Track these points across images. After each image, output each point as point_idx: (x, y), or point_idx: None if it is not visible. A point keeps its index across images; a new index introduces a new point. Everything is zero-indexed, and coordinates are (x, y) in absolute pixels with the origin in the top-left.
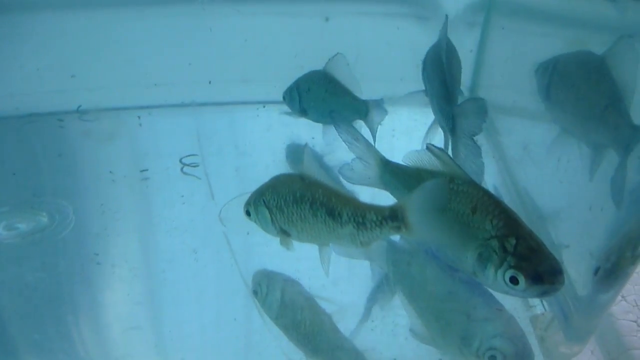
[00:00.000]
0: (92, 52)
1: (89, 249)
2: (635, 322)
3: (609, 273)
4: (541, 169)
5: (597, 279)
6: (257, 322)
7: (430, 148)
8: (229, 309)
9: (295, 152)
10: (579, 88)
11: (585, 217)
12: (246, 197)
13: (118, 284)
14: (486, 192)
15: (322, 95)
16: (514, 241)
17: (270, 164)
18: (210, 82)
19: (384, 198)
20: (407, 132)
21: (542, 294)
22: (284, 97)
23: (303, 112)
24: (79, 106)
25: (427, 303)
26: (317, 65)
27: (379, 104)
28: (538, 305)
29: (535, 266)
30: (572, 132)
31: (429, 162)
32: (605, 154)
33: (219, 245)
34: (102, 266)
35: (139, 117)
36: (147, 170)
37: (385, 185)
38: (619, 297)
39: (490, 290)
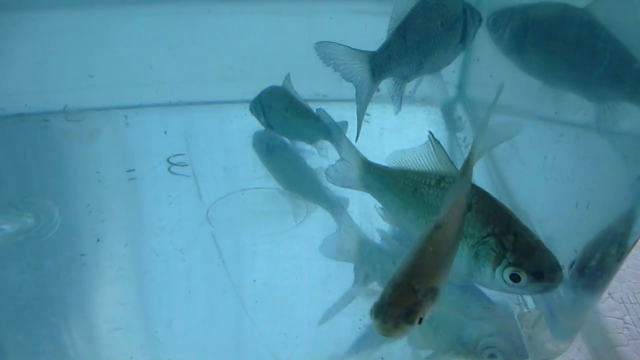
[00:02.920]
0: (78, 51)
1: (75, 249)
2: (621, 319)
3: (593, 271)
4: (528, 167)
5: (571, 272)
6: (245, 322)
7: (430, 137)
8: (217, 309)
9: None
10: (569, 41)
11: (571, 215)
12: (234, 197)
13: (104, 285)
14: (481, 190)
15: (284, 114)
16: (512, 238)
17: (257, 163)
18: (197, 81)
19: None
20: (396, 130)
21: (542, 291)
22: (250, 110)
23: (269, 127)
24: (65, 106)
25: None
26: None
27: (343, 125)
28: (522, 304)
29: (536, 263)
30: (562, 86)
31: (414, 162)
32: (616, 107)
33: (206, 245)
34: (89, 267)
35: (125, 117)
36: (134, 170)
37: (367, 187)
38: (606, 295)
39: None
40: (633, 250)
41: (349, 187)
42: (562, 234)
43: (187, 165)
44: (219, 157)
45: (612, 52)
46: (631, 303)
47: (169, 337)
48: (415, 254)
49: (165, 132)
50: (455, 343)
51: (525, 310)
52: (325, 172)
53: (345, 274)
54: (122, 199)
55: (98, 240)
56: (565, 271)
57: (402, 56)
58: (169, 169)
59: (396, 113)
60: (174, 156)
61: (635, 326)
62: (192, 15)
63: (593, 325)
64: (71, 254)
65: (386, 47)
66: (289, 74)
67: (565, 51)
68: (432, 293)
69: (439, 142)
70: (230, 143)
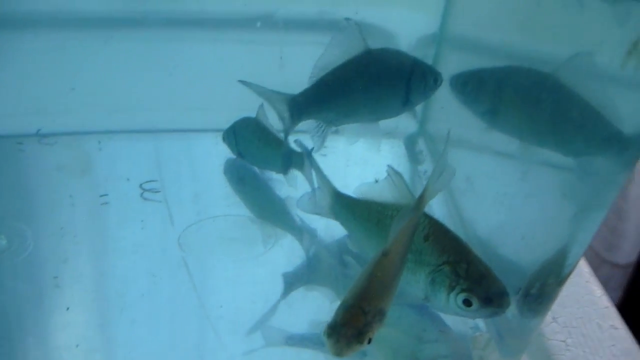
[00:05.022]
0: (52, 75)
1: (48, 272)
2: (564, 341)
3: (535, 297)
4: (482, 200)
5: (517, 298)
6: (215, 345)
7: (389, 171)
8: (187, 332)
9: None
10: (541, 102)
11: (518, 246)
12: (205, 224)
13: (77, 307)
14: (437, 221)
15: (256, 144)
16: (465, 266)
17: (229, 192)
18: (170, 109)
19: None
20: (361, 162)
21: (491, 315)
22: (223, 139)
23: (240, 155)
24: (39, 129)
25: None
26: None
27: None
28: (474, 327)
29: (486, 289)
30: (537, 143)
31: (380, 195)
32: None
33: (177, 270)
34: (61, 289)
35: (99, 142)
36: (107, 195)
37: (335, 215)
38: (550, 319)
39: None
40: (575, 278)
41: (318, 214)
42: (511, 263)
43: (159, 191)
44: (190, 184)
45: (581, 111)
46: (573, 327)
47: (139, 359)
48: (365, 278)
49: (137, 159)
50: None
51: (477, 333)
52: (297, 200)
53: (311, 298)
54: (95, 223)
55: (65, 261)
56: (513, 297)
57: (322, 102)
58: (141, 194)
59: (315, 152)
60: (146, 182)
61: (576, 348)
62: (167, 42)
63: (537, 348)
64: (44, 277)
65: (305, 91)
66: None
67: (538, 112)
68: (380, 315)
69: (399, 175)
70: (202, 171)
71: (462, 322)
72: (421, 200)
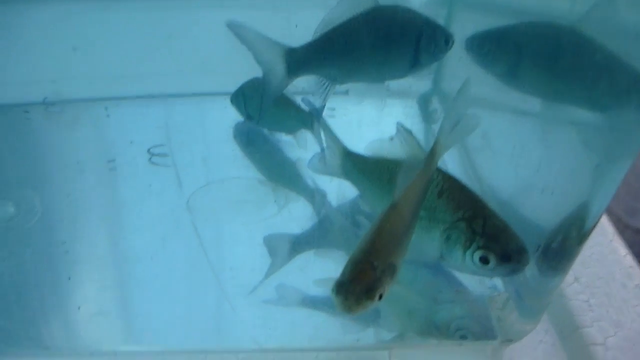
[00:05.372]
0: (59, 43)
1: (56, 237)
2: (586, 302)
3: (555, 254)
4: (498, 156)
5: (537, 255)
6: (225, 307)
7: (399, 128)
8: (197, 295)
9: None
10: (564, 57)
11: (537, 200)
12: (214, 186)
13: (85, 272)
14: (451, 177)
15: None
16: (481, 222)
17: (237, 154)
18: (178, 74)
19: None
20: (374, 124)
21: (509, 272)
22: (231, 101)
23: (249, 118)
24: (45, 97)
25: (394, 292)
26: None
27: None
28: (492, 288)
29: (504, 246)
30: (562, 101)
31: (391, 151)
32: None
33: (186, 233)
34: (70, 254)
35: (106, 109)
36: (114, 160)
37: (347, 175)
38: (572, 279)
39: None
40: (599, 238)
41: (329, 175)
42: (529, 219)
43: (167, 155)
44: (199, 148)
45: (606, 63)
46: (596, 287)
47: (149, 322)
48: (373, 233)
49: (146, 124)
50: (429, 326)
51: (495, 293)
52: (308, 161)
53: (323, 260)
54: (103, 189)
55: (74, 226)
56: (532, 254)
57: (323, 57)
58: (149, 159)
59: (320, 106)
60: (154, 147)
61: (599, 308)
62: (174, 9)
63: (559, 308)
64: (53, 242)
65: (308, 45)
66: None
67: (562, 68)
68: (391, 270)
69: (409, 132)
70: (211, 135)
71: (479, 282)
72: (433, 152)
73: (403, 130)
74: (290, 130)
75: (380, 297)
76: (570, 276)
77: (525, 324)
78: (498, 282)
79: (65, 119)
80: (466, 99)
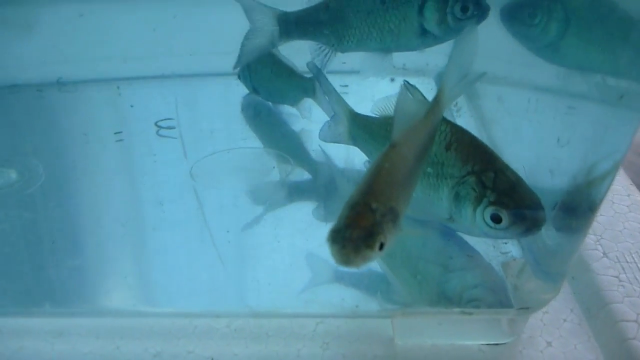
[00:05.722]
0: (72, 27)
1: (55, 202)
2: (616, 277)
3: (575, 211)
4: (513, 117)
5: (554, 213)
6: (218, 269)
7: (405, 85)
8: (191, 255)
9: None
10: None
11: (553, 152)
12: (219, 155)
13: (82, 235)
14: (459, 128)
15: (269, 76)
16: (492, 175)
17: (245, 128)
18: (190, 55)
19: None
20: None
21: (524, 233)
22: (239, 76)
23: (255, 91)
24: (59, 78)
25: (401, 259)
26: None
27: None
28: (507, 253)
29: (518, 201)
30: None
31: None
32: None
33: (187, 198)
34: (67, 219)
35: (118, 87)
36: (121, 132)
37: (354, 139)
38: (600, 254)
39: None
40: (630, 214)
41: (339, 142)
42: (545, 174)
43: (174, 128)
44: (206, 122)
45: None
46: (627, 262)
47: (144, 282)
48: (371, 173)
49: (156, 101)
50: (440, 297)
51: (510, 259)
52: (319, 131)
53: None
54: (108, 158)
55: (74, 193)
56: (549, 212)
57: (318, 22)
58: (157, 132)
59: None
60: (162, 120)
61: (631, 284)
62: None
63: (586, 285)
64: (52, 206)
65: (301, 10)
66: None
67: (611, 37)
68: (392, 215)
69: (415, 87)
70: (219, 110)
71: (492, 247)
72: (438, 98)
73: (409, 86)
74: (294, 101)
75: (382, 246)
76: (598, 251)
77: (545, 292)
78: (513, 247)
79: (77, 96)
80: (471, 47)
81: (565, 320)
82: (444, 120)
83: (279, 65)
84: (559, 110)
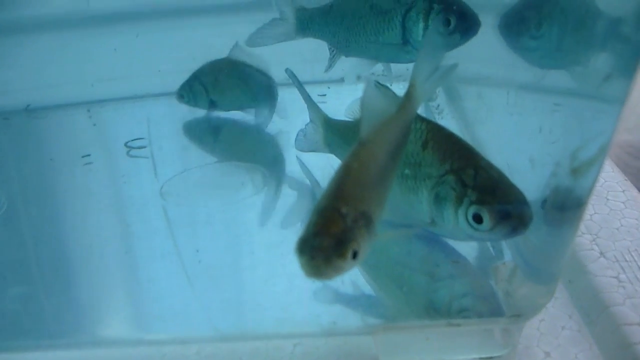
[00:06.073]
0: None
1: (16, 230)
2: (616, 277)
3: (565, 204)
4: (493, 112)
5: (546, 209)
6: (186, 290)
7: (376, 84)
8: (159, 276)
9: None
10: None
11: (535, 143)
12: (190, 172)
13: (45, 255)
14: (436, 125)
15: (235, 83)
16: (472, 172)
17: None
18: (159, 73)
19: None
20: None
21: (510, 232)
22: (181, 96)
23: (212, 104)
24: (28, 105)
25: (385, 270)
26: None
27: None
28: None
29: (501, 199)
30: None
31: None
32: None
33: (155, 218)
34: (27, 245)
35: (88, 110)
36: (89, 155)
37: (330, 146)
38: (597, 254)
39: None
40: (627, 210)
41: (316, 150)
42: (528, 169)
43: (145, 147)
44: (177, 141)
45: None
46: (626, 261)
47: (108, 306)
48: (340, 174)
49: (126, 123)
50: (428, 308)
51: (500, 262)
52: (294, 141)
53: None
54: (74, 181)
55: (37, 219)
56: (537, 209)
57: (325, 23)
58: (127, 152)
59: (325, 72)
60: (133, 140)
61: (632, 284)
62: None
63: (583, 288)
64: (16, 235)
65: (316, 8)
66: (237, 42)
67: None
68: (365, 220)
69: (386, 86)
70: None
71: (479, 251)
72: (409, 94)
73: (380, 86)
74: (250, 106)
75: (355, 255)
76: (594, 251)
77: (538, 297)
78: (502, 250)
79: (45, 122)
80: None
81: (563, 328)
82: (420, 117)
83: (247, 68)
84: (543, 107)
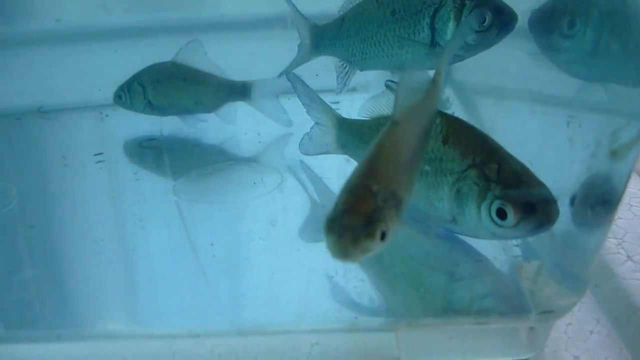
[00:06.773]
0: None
1: (25, 222)
2: None
3: (596, 201)
4: (516, 105)
5: (574, 208)
6: (202, 284)
7: (388, 85)
8: (174, 271)
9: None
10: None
11: (563, 155)
12: (205, 171)
13: (53, 251)
14: (455, 119)
15: (179, 85)
16: (496, 167)
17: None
18: None
19: None
20: None
21: (535, 229)
22: (119, 96)
23: (149, 106)
24: (41, 107)
25: (402, 270)
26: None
27: (269, 82)
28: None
29: (525, 194)
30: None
31: (388, 107)
32: None
33: (168, 215)
34: (40, 240)
35: (101, 113)
36: (101, 153)
37: (344, 147)
38: (624, 257)
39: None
40: None
41: (325, 153)
42: (555, 166)
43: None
44: (191, 138)
45: None
46: None
47: (123, 300)
48: (372, 153)
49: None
50: (446, 309)
51: (525, 261)
52: (299, 144)
53: (314, 232)
54: (86, 179)
55: (45, 214)
56: (567, 208)
57: (338, 37)
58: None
59: (337, 93)
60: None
61: None
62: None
63: (611, 292)
64: (20, 226)
65: (327, 24)
66: (195, 39)
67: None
68: (394, 201)
69: (398, 84)
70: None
71: (502, 249)
72: (436, 80)
73: (394, 84)
74: (212, 108)
75: (384, 236)
76: (620, 255)
77: (566, 297)
78: (527, 248)
79: (59, 123)
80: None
81: (592, 332)
82: (439, 112)
83: (192, 71)
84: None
